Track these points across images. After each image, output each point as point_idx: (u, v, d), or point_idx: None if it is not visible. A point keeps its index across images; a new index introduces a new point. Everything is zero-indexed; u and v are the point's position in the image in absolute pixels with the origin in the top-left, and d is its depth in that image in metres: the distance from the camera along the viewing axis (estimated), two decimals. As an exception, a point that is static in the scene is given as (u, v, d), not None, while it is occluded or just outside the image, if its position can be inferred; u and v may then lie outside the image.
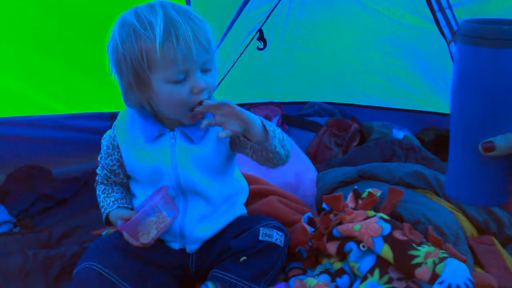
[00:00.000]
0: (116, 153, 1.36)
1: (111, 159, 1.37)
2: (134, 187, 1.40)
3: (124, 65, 1.19)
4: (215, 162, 1.33)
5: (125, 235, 1.30)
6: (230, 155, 1.36)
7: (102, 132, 1.41)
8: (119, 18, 1.23)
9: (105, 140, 1.38)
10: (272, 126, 1.26)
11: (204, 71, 1.22)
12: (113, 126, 1.37)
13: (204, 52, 1.19)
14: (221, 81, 2.43)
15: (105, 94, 2.16)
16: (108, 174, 1.40)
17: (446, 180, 0.88)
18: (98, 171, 1.44)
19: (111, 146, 1.36)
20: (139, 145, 1.31)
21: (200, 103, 1.20)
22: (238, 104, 1.19)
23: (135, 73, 1.19)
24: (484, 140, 0.78)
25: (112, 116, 2.23)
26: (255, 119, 1.22)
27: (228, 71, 2.58)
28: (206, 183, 1.32)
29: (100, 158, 1.41)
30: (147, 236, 1.27)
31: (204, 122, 1.20)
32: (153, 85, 1.20)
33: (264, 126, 1.23)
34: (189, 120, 1.26)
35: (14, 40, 2.01)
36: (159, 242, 1.34)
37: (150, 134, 1.29)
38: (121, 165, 1.37)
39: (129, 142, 1.32)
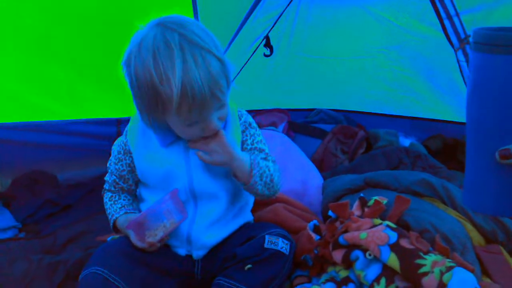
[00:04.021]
0: (127, 158, 1.36)
1: (121, 164, 1.37)
2: (144, 192, 1.39)
3: (139, 96, 1.18)
4: None
5: (132, 236, 1.30)
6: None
7: (107, 137, 1.40)
8: (137, 39, 1.16)
9: (116, 146, 1.39)
10: (263, 168, 1.30)
11: (219, 108, 1.22)
12: (124, 132, 1.38)
13: (220, 101, 1.19)
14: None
15: (111, 100, 2.17)
16: (117, 180, 1.40)
17: (463, 192, 0.87)
18: (107, 178, 1.44)
19: (122, 151, 1.36)
20: (153, 149, 1.31)
21: None
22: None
23: (150, 105, 1.18)
24: (500, 147, 0.77)
25: (119, 122, 2.24)
26: (244, 160, 1.27)
27: (234, 78, 2.57)
28: (219, 185, 1.33)
29: (110, 164, 1.41)
30: (154, 237, 1.27)
31: (194, 145, 1.26)
32: (166, 118, 1.21)
33: (250, 171, 1.27)
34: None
35: (20, 45, 2.02)
36: (166, 248, 1.34)
37: (165, 139, 1.30)
38: (131, 170, 1.37)
39: (143, 146, 1.33)
